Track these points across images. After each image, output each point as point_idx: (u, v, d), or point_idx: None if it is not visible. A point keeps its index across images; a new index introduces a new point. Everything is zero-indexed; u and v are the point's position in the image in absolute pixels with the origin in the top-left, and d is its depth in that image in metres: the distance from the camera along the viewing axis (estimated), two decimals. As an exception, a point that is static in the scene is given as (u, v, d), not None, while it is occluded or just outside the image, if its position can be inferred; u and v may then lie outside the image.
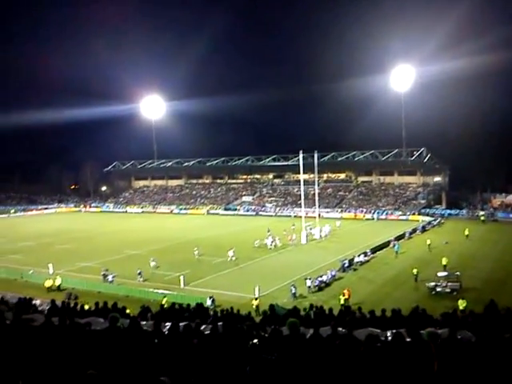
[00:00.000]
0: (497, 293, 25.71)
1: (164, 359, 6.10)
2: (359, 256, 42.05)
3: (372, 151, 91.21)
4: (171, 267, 41.33)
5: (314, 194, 68.92)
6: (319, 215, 65.50)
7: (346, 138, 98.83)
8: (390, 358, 5.70)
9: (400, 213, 79.17)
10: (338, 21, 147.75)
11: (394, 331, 6.93)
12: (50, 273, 39.44)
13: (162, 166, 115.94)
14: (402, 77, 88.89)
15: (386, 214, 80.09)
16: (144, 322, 9.60)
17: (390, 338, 7.24)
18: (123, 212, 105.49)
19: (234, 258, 43.36)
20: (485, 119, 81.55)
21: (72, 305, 18.89)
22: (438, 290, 31.42)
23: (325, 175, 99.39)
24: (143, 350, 6.57)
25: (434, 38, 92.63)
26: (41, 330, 7.59)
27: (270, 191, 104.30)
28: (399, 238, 52.20)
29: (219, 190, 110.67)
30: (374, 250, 45.68)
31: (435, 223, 67.24)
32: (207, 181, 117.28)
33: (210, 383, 5.44)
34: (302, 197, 63.46)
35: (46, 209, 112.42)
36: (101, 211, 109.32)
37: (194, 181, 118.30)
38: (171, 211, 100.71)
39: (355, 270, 39.71)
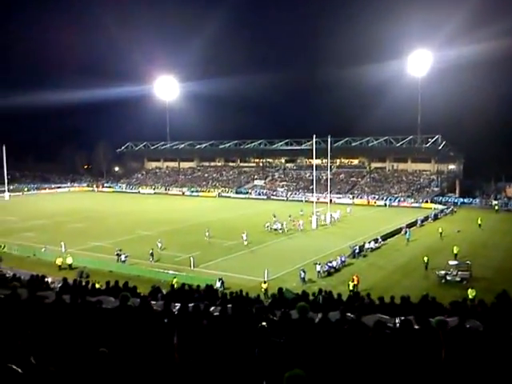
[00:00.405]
0: (508, 282, 25.49)
1: (173, 338, 6.16)
2: (370, 243, 41.98)
3: (386, 137, 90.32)
4: (182, 249, 41.63)
5: (327, 179, 68.70)
6: (331, 201, 65.29)
7: (361, 124, 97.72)
8: (398, 344, 5.71)
9: (412, 200, 78.68)
10: (356, 4, 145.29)
11: (403, 318, 6.93)
12: (62, 251, 39.95)
13: (174, 147, 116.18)
14: (419, 62, 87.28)
15: (399, 200, 79.57)
16: (154, 302, 9.71)
17: (398, 325, 7.25)
18: (136, 193, 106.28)
19: (246, 242, 43.62)
20: (501, 107, 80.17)
21: (83, 283, 19.14)
22: (448, 278, 31.33)
23: (338, 160, 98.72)
24: (153, 330, 6.66)
25: (452, 22, 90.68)
26: (52, 307, 7.72)
27: (282, 175, 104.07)
28: (411, 225, 51.90)
29: (231, 173, 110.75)
30: (385, 237, 45.56)
31: (448, 211, 66.79)
32: (219, 164, 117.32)
33: (218, 364, 5.51)
34: (314, 182, 63.32)
35: (59, 188, 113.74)
36: (113, 191, 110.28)
37: (206, 163, 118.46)
38: (183, 193, 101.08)
39: (365, 256, 39.68)
